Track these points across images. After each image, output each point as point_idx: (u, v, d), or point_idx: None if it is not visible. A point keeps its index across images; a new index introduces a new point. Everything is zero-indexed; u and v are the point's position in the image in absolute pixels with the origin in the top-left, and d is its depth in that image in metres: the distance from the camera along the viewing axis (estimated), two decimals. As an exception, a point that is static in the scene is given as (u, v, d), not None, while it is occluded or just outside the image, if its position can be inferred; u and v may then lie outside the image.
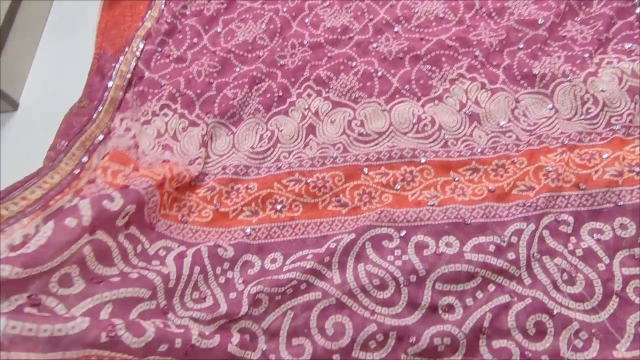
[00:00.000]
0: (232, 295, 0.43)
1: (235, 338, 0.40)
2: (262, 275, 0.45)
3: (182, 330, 0.36)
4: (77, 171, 0.45)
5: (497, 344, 0.41)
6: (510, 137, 0.54)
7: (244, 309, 0.42)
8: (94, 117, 0.54)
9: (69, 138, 0.48)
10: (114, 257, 0.40)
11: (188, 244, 0.46)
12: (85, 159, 0.47)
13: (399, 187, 0.50)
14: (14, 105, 0.63)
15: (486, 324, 0.41)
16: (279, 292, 0.43)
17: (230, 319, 0.42)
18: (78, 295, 0.37)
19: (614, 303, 0.42)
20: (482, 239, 0.45)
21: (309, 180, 0.51)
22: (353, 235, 0.46)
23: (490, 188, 0.49)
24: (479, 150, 0.53)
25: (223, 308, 0.41)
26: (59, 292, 0.37)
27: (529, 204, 0.47)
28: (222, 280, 0.44)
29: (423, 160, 0.51)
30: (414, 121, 0.55)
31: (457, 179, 0.50)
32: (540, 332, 0.41)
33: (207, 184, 0.51)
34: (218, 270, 0.44)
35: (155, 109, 0.57)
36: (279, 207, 0.50)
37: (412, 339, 0.41)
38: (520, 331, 0.41)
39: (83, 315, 0.34)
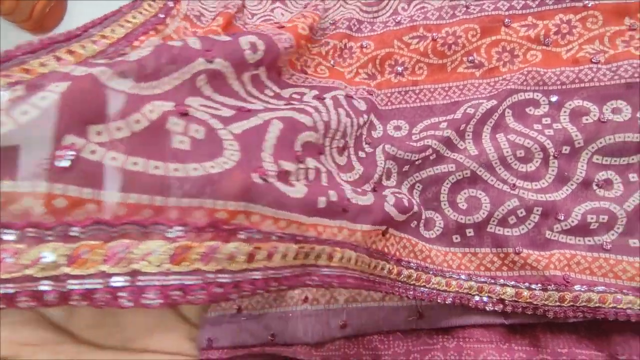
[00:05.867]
0: (361, 154, 0.38)
1: (391, 199, 0.35)
2: (387, 141, 0.40)
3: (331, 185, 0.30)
4: (162, 15, 0.37)
5: None
6: None
7: (380, 166, 0.37)
8: None
9: None
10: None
11: (320, 88, 0.39)
12: (171, 3, 0.40)
13: (550, 41, 0.41)
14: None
15: None
16: (410, 161, 0.38)
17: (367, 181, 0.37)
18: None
19: None
20: None
21: (436, 36, 0.43)
22: (494, 102, 0.39)
23: None
24: None
25: (358, 168, 0.36)
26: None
27: None
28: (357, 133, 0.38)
29: (590, 4, 0.40)
30: None
31: (636, 26, 0.40)
32: None
33: (320, 41, 0.44)
34: (360, 120, 0.37)
35: None
36: (399, 69, 0.43)
37: (561, 216, 0.37)
38: None
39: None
